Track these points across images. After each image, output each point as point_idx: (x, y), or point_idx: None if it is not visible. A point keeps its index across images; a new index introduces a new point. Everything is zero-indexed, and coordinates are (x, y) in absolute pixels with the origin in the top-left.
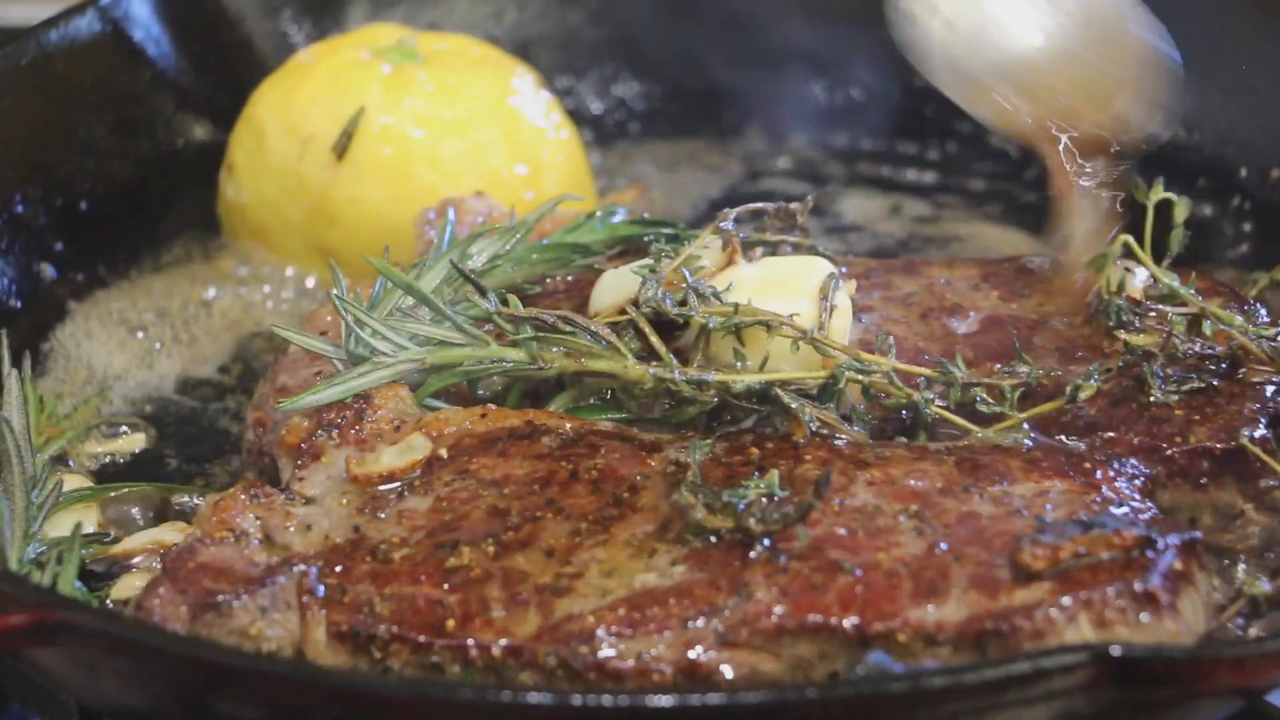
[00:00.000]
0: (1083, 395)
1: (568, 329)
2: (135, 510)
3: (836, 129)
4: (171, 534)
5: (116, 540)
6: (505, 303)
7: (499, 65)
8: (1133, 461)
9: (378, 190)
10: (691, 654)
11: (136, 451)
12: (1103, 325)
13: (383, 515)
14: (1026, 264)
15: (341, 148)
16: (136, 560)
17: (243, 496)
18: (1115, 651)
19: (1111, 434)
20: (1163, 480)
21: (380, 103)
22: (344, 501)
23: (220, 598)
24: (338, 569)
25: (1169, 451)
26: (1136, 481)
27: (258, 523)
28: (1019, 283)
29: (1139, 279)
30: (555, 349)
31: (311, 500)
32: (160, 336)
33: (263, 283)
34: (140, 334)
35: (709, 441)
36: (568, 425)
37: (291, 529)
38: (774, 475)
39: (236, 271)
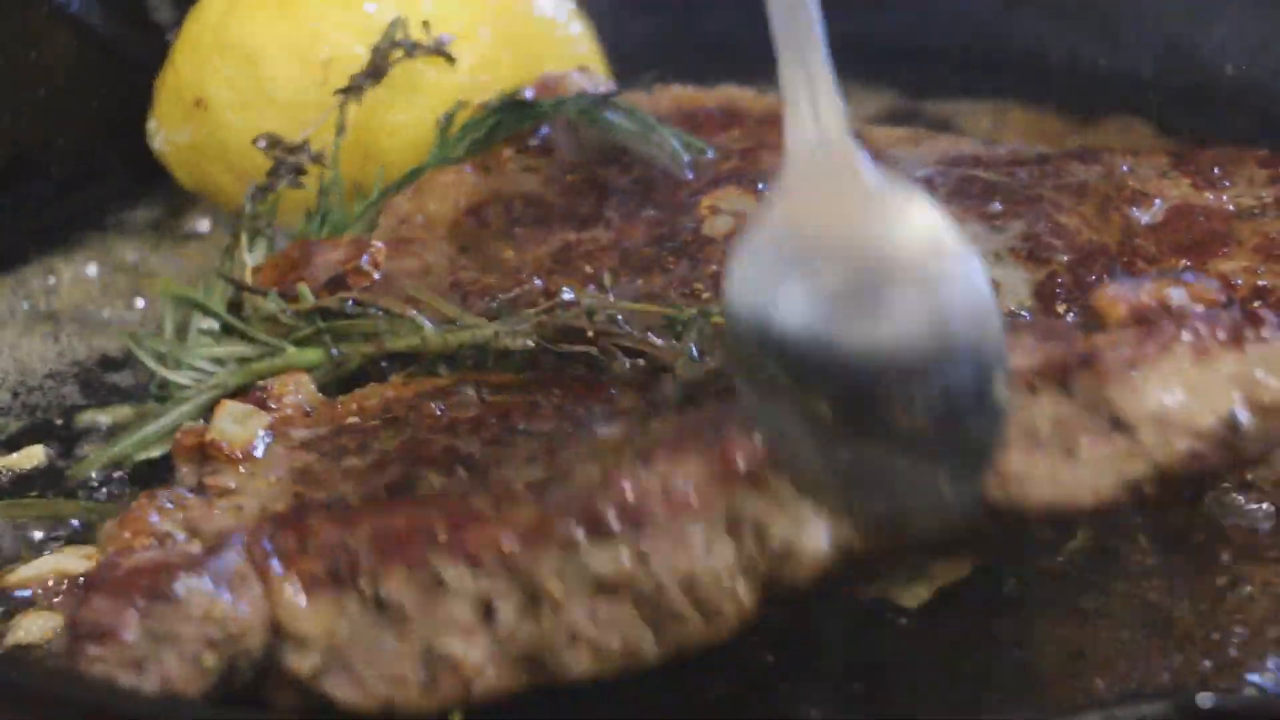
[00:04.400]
0: None
1: (357, 313)
2: (32, 534)
3: None
4: (75, 561)
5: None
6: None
7: None
8: None
9: (427, 112)
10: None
11: (32, 467)
12: None
13: (324, 479)
14: (1228, 151)
15: (377, 70)
16: (34, 592)
17: (151, 508)
18: (1205, 702)
19: None
20: None
21: (406, 13)
22: (272, 480)
23: (169, 585)
24: (292, 526)
25: None
26: None
27: (180, 517)
28: (1216, 170)
29: None
30: (355, 336)
31: (230, 492)
32: (65, 330)
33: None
34: (40, 326)
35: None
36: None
37: (220, 513)
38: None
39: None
